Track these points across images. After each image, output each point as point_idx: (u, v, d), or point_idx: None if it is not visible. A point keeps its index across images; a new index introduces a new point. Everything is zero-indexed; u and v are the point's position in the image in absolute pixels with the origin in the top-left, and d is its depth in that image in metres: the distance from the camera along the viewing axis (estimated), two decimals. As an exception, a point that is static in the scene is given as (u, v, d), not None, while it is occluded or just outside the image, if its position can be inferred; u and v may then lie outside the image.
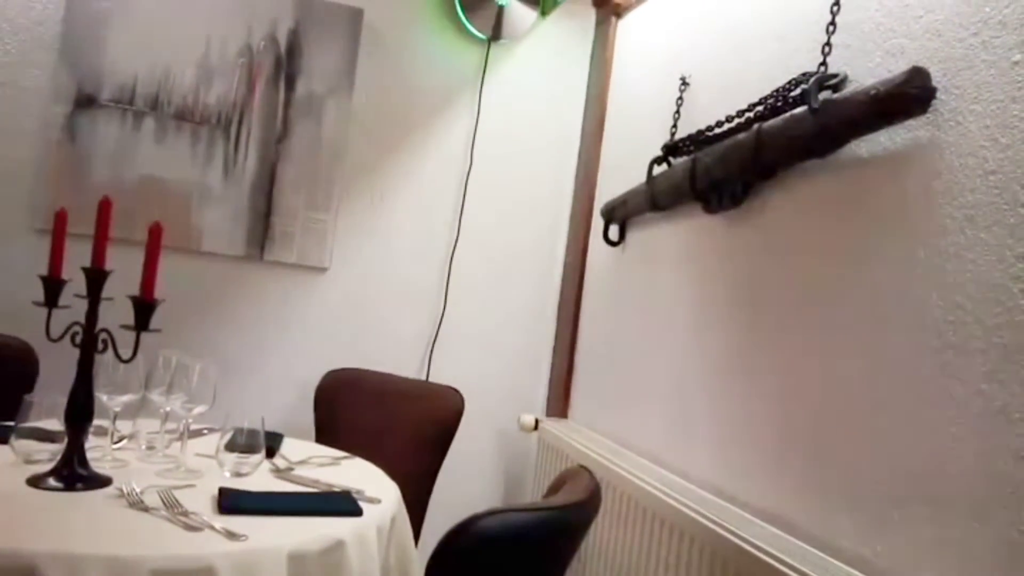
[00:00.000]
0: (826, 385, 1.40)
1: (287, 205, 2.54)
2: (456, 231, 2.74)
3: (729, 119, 1.76)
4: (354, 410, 2.28)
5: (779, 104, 1.57)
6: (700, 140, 1.89)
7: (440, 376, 2.63)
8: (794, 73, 1.58)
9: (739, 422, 1.65)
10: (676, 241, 2.06)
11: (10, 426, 1.48)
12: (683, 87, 2.12)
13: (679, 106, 2.11)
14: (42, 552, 1.06)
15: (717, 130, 1.82)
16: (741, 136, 1.66)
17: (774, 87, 1.60)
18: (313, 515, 1.35)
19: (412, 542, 1.59)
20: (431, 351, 2.71)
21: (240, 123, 2.48)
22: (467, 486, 2.70)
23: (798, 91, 1.51)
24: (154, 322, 1.41)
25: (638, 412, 2.15)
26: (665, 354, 2.03)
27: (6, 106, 2.26)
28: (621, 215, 2.37)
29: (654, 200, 2.08)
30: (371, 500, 1.48)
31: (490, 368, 2.78)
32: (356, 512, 1.39)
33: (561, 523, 1.25)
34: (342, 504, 1.41)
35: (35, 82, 2.29)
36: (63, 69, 2.30)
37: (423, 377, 2.67)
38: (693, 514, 1.54)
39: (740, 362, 1.68)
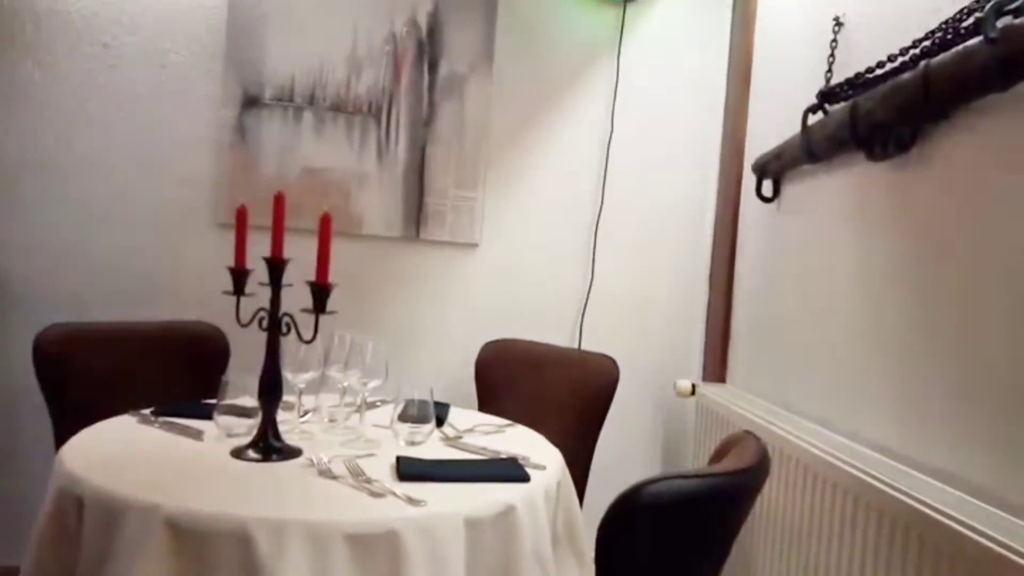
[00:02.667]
0: (1016, 341, 1.29)
1: (437, 185, 2.63)
2: (600, 198, 2.74)
3: (891, 58, 1.64)
4: (512, 379, 2.35)
5: (949, 37, 1.44)
6: (859, 83, 1.78)
7: (592, 344, 2.66)
8: (965, 1, 1.44)
9: (916, 381, 1.55)
10: (837, 193, 1.95)
11: (212, 404, 1.66)
12: (837, 28, 1.98)
13: (833, 49, 1.99)
14: (251, 516, 1.18)
15: (878, 71, 1.70)
16: (906, 76, 1.54)
17: (941, 20, 1.47)
18: (484, 481, 1.41)
19: (578, 507, 1.63)
20: (582, 319, 2.73)
21: (390, 109, 2.59)
22: (624, 453, 2.72)
23: (971, 20, 1.38)
24: (328, 304, 1.52)
25: (800, 374, 2.07)
26: (828, 313, 1.94)
27: (185, 113, 2.48)
28: (775, 169, 2.28)
29: (810, 151, 1.98)
30: (537, 466, 1.53)
31: (642, 334, 2.77)
32: (524, 478, 1.44)
33: (730, 489, 1.24)
34: (510, 470, 1.47)
35: (207, 89, 2.49)
36: (230, 75, 2.49)
37: (575, 345, 2.71)
38: (868, 478, 1.48)
39: (917, 318, 1.57)
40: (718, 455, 1.41)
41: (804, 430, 1.85)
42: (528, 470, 1.49)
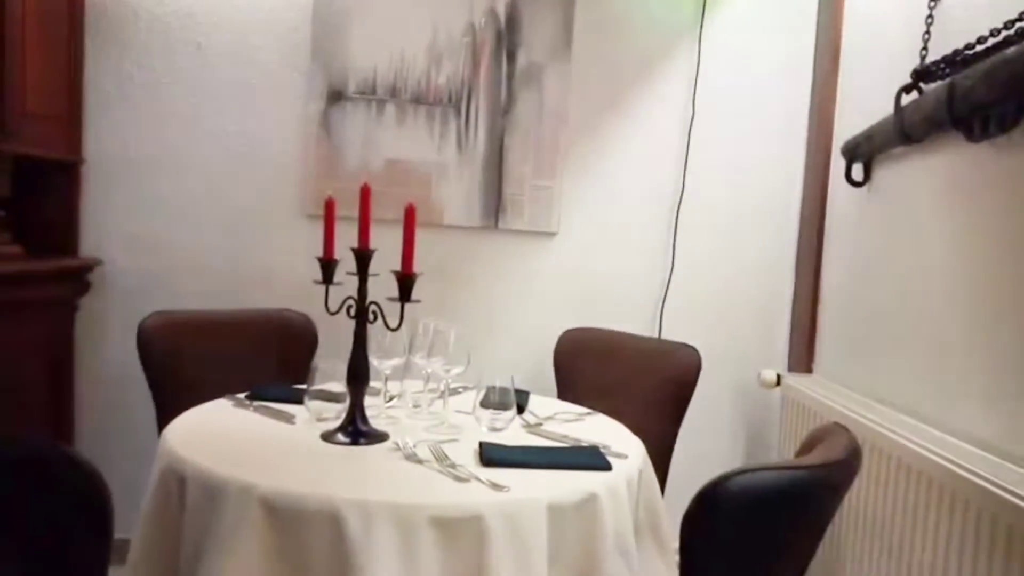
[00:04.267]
0: None
1: (516, 174, 2.65)
2: (681, 184, 2.69)
3: (994, 33, 1.55)
4: (591, 368, 2.35)
5: (1062, 8, 1.35)
6: (957, 60, 1.69)
7: (672, 333, 2.62)
8: (1081, -31, 1.35)
9: (1013, 372, 1.48)
10: (933, 175, 1.86)
11: (302, 389, 1.72)
12: (932, 4, 1.89)
13: (928, 25, 1.89)
14: (341, 497, 1.22)
15: (979, 47, 1.61)
16: (1011, 51, 1.46)
17: (1054, -11, 1.39)
18: (566, 468, 1.42)
19: (660, 497, 1.62)
20: (662, 308, 2.70)
21: (469, 100, 2.61)
22: (707, 444, 2.68)
23: (1087, -10, 1.30)
24: (412, 292, 1.55)
25: (892, 364, 2.00)
26: (923, 301, 1.86)
27: (275, 109, 2.57)
28: (865, 152, 2.19)
29: (904, 132, 1.90)
30: (618, 455, 1.53)
31: (724, 323, 2.71)
32: (605, 466, 1.44)
33: (819, 483, 1.21)
34: (591, 458, 1.48)
35: (294, 85, 2.57)
36: (316, 70, 2.56)
37: (655, 334, 2.68)
38: (963, 472, 1.41)
39: (1017, 307, 1.49)
40: (806, 447, 1.38)
41: (896, 422, 1.79)
42: (610, 459, 1.49)
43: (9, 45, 2.06)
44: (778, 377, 2.51)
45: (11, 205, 2.17)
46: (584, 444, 1.59)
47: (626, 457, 1.53)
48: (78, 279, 2.47)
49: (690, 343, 2.31)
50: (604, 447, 1.56)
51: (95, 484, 1.05)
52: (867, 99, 2.24)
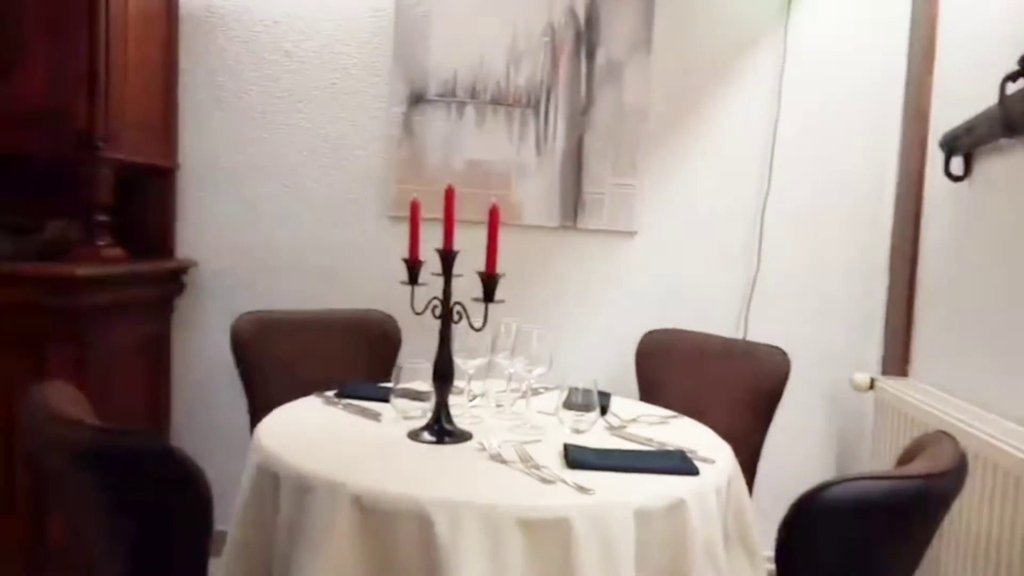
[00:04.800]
0: None
1: (595, 173, 2.62)
2: (767, 181, 2.62)
3: (1118, 15, 1.44)
4: (674, 370, 2.30)
5: None
6: (1074, 46, 1.58)
7: (758, 335, 2.55)
8: None
9: None
10: (1044, 170, 1.75)
11: (388, 387, 1.75)
12: (1046, -15, 1.78)
13: (1041, 9, 1.78)
14: (429, 497, 1.23)
15: (1100, 30, 1.50)
16: None
17: None
18: (652, 473, 1.40)
19: (749, 504, 1.58)
20: (747, 309, 2.63)
21: (548, 100, 2.61)
22: (795, 449, 2.60)
23: None
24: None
25: (998, 368, 1.89)
26: (1035, 302, 1.75)
27: (359, 112, 2.62)
28: (966, 145, 2.08)
29: (1010, 123, 1.79)
30: (705, 460, 1.50)
31: (813, 324, 2.62)
32: (693, 471, 1.41)
33: (923, 494, 1.15)
34: (678, 463, 1.45)
35: (377, 88, 2.62)
36: (398, 74, 2.60)
37: (740, 336, 2.61)
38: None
39: None
40: (908, 456, 1.31)
41: (1004, 431, 1.69)
42: (697, 464, 1.46)
43: (112, 60, 2.17)
44: (871, 381, 2.41)
45: (112, 210, 2.28)
46: (670, 448, 1.56)
47: (714, 463, 1.49)
48: (174, 280, 2.59)
49: (778, 345, 2.24)
50: (691, 452, 1.53)
51: (198, 482, 1.08)
52: (967, 89, 2.12)
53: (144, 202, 2.55)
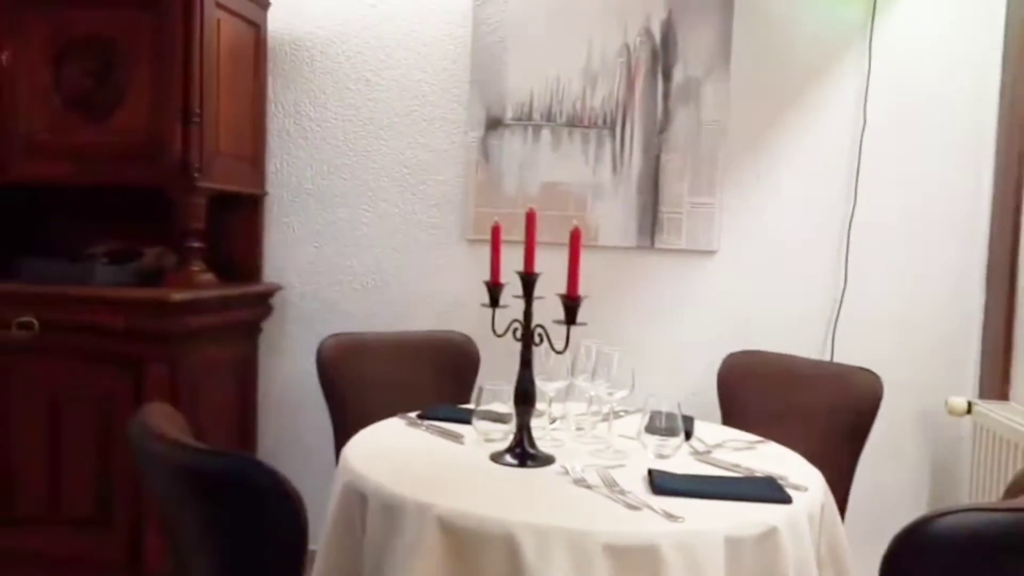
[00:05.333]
0: None
1: (673, 192, 2.60)
2: (852, 198, 2.54)
3: None
4: (758, 394, 2.24)
5: None
6: None
7: (846, 356, 2.46)
8: None
9: None
10: None
11: (469, 409, 1.76)
12: None
13: None
14: (516, 521, 1.23)
15: None
16: None
17: None
18: (742, 500, 1.36)
19: (843, 533, 1.52)
20: (834, 330, 2.55)
21: (624, 120, 2.60)
22: (887, 476, 2.50)
23: None
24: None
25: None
26: None
27: (438, 137, 2.67)
28: (1071, 157, 1.97)
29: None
30: (797, 487, 1.45)
31: (905, 345, 2.52)
32: (785, 499, 1.37)
33: (1038, 528, 1.08)
34: (769, 490, 1.41)
35: (454, 114, 2.67)
36: (475, 99, 2.64)
37: (826, 357, 2.53)
38: None
39: None
40: (1017, 487, 1.24)
41: (1124, 460, 1.58)
42: (788, 491, 1.41)
43: (207, 95, 2.28)
44: (968, 405, 2.30)
45: (204, 236, 2.38)
46: (759, 474, 1.52)
47: (806, 490, 1.44)
48: (262, 303, 2.68)
49: (866, 366, 2.16)
50: (781, 478, 1.48)
51: (295, 502, 1.11)
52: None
53: (233, 228, 2.66)
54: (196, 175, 2.25)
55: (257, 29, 2.58)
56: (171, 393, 2.18)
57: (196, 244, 2.33)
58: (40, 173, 2.33)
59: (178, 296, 2.18)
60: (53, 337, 2.20)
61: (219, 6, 2.33)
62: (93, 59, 2.28)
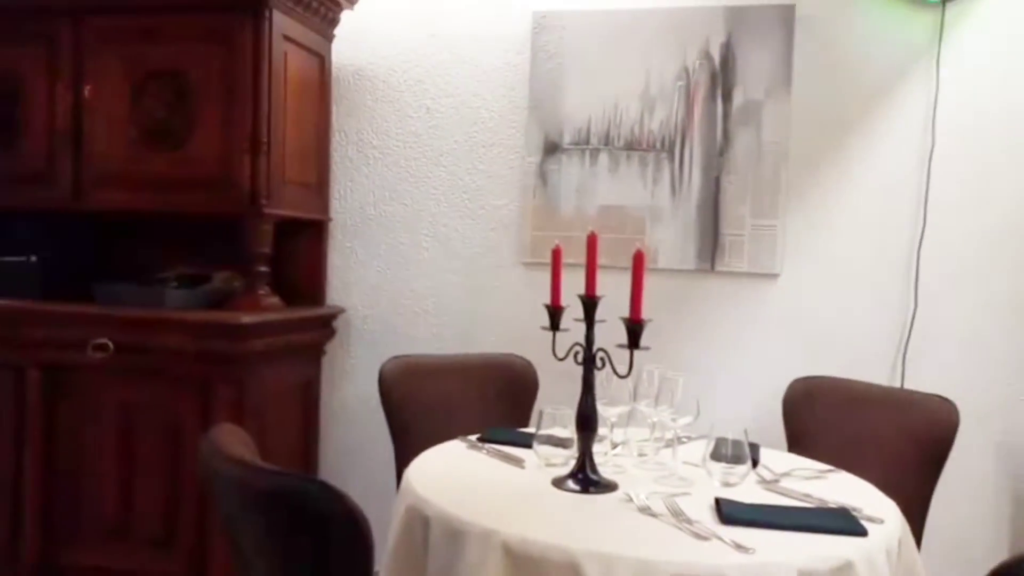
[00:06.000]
0: None
1: (733, 215, 2.56)
2: (922, 220, 2.46)
3: None
4: (826, 421, 2.18)
5: None
6: None
7: (917, 382, 2.38)
8: None
9: None
10: None
11: (530, 433, 1.75)
12: None
13: None
14: (581, 549, 1.22)
15: None
16: None
17: None
18: (815, 532, 1.32)
19: (922, 570, 1.46)
20: (904, 355, 2.46)
21: (683, 143, 2.59)
22: (964, 509, 2.39)
23: None
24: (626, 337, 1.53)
25: None
26: None
27: (496, 163, 2.70)
28: None
29: None
30: (872, 519, 1.40)
31: (980, 370, 2.42)
32: (860, 531, 1.32)
33: None
34: (843, 522, 1.36)
35: (512, 139, 2.69)
36: (533, 124, 2.67)
37: (896, 384, 2.45)
38: None
39: None
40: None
41: None
42: (863, 523, 1.36)
43: (274, 125, 2.36)
44: (1052, 435, 2.19)
45: (270, 261, 2.44)
46: (832, 505, 1.47)
47: (882, 522, 1.39)
48: (325, 326, 2.73)
49: (939, 393, 2.08)
50: (855, 509, 1.43)
51: (362, 526, 1.12)
52: None
53: (298, 253, 2.72)
54: (264, 203, 2.32)
55: (322, 60, 2.66)
56: (238, 414, 2.23)
57: (263, 269, 2.40)
58: (116, 201, 2.43)
59: (246, 319, 2.23)
60: (126, 358, 2.27)
61: (287, 39, 2.41)
62: (168, 91, 2.37)
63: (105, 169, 2.42)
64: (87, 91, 2.41)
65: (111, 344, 2.26)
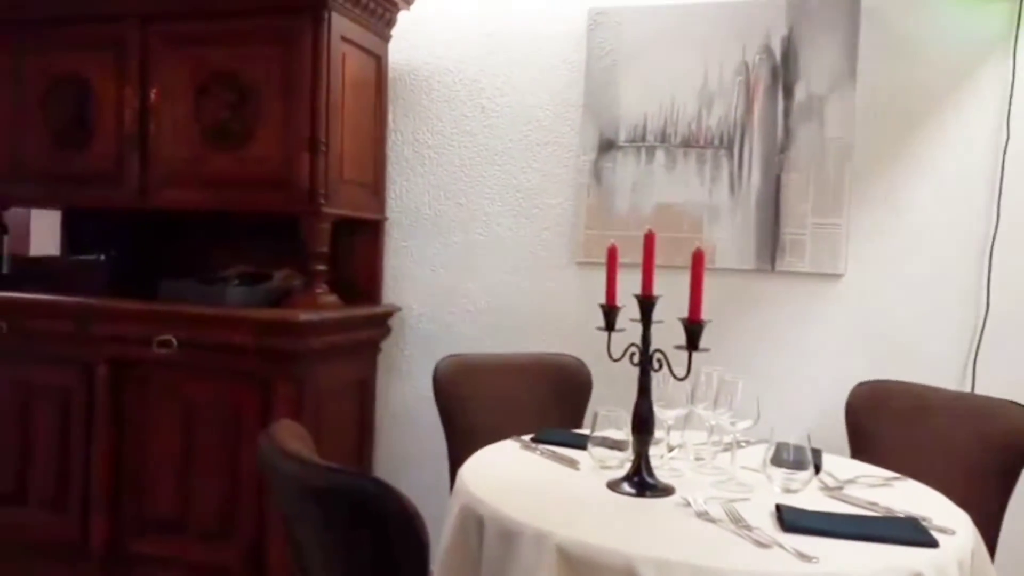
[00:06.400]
0: None
1: (795, 213, 2.50)
2: (995, 216, 2.36)
3: None
4: (891, 426, 2.10)
5: None
6: None
7: (989, 386, 2.28)
8: None
9: None
10: None
11: (584, 434, 1.74)
12: None
13: None
14: (637, 554, 1.20)
15: None
16: None
17: None
18: (882, 542, 1.27)
19: (996, 583, 1.40)
20: (975, 359, 2.36)
21: (742, 140, 2.53)
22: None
23: None
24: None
25: None
26: None
27: (550, 161, 2.69)
28: None
29: None
30: (943, 530, 1.34)
31: (1058, 377, 2.31)
32: (931, 543, 1.27)
33: None
34: (912, 532, 1.31)
35: (567, 138, 2.67)
36: (588, 122, 2.64)
37: (966, 389, 2.35)
38: None
39: None
40: None
41: None
42: (933, 533, 1.31)
43: (332, 125, 2.39)
44: None
45: (328, 260, 2.47)
46: (899, 514, 1.42)
47: (954, 533, 1.33)
48: (381, 325, 2.75)
49: (1015, 400, 1.99)
50: (924, 519, 1.38)
51: (417, 524, 1.12)
52: None
53: (355, 251, 2.75)
54: (322, 202, 2.35)
55: (379, 60, 2.68)
56: (296, 410, 2.27)
57: (321, 267, 2.43)
58: (180, 200, 2.49)
59: (304, 317, 2.27)
60: (189, 355, 2.33)
61: (345, 40, 2.44)
62: (230, 93, 2.42)
63: (170, 169, 2.48)
64: (153, 94, 2.48)
65: (175, 340, 2.32)
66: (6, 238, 2.65)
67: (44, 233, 3.04)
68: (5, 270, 2.64)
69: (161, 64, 2.48)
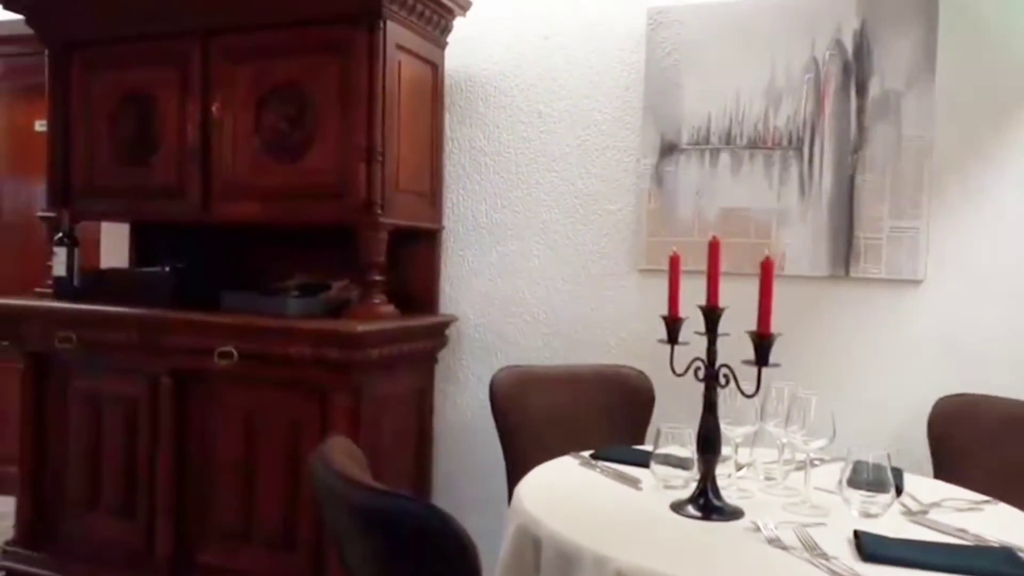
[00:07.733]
0: None
1: (870, 216, 2.37)
2: (1093, 218, 2.19)
3: None
4: (979, 444, 1.97)
5: None
6: None
7: (1089, 402, 2.11)
8: None
9: None
10: None
11: (646, 452, 1.66)
12: None
13: None
14: (703, 582, 1.12)
15: None
16: None
17: None
18: (973, 575, 1.16)
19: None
20: (1072, 371, 2.19)
21: (812, 140, 2.41)
22: None
23: None
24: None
25: None
26: None
27: (609, 166, 2.62)
28: None
29: None
30: (1043, 563, 1.22)
31: None
32: (1029, 578, 1.16)
33: None
34: (1007, 564, 1.20)
35: (626, 142, 2.60)
36: (648, 125, 2.56)
37: (1063, 403, 2.18)
38: None
39: None
40: None
41: None
42: (1032, 567, 1.20)
43: (388, 134, 2.37)
44: None
45: (385, 269, 2.46)
46: (992, 543, 1.30)
47: (1056, 567, 1.22)
48: (438, 335, 2.72)
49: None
50: (1020, 549, 1.26)
51: (471, 556, 1.08)
52: None
53: (412, 261, 2.73)
54: (378, 212, 2.34)
55: (435, 68, 2.66)
56: (354, 420, 2.26)
57: (378, 277, 2.42)
58: (241, 212, 2.52)
59: (362, 328, 2.25)
60: (250, 366, 2.34)
61: (400, 48, 2.43)
62: (289, 105, 2.44)
63: (231, 182, 2.51)
64: (215, 108, 2.52)
65: (235, 352, 2.34)
66: (77, 251, 2.72)
67: (113, 246, 3.12)
68: (76, 283, 2.71)
69: (222, 78, 2.51)
